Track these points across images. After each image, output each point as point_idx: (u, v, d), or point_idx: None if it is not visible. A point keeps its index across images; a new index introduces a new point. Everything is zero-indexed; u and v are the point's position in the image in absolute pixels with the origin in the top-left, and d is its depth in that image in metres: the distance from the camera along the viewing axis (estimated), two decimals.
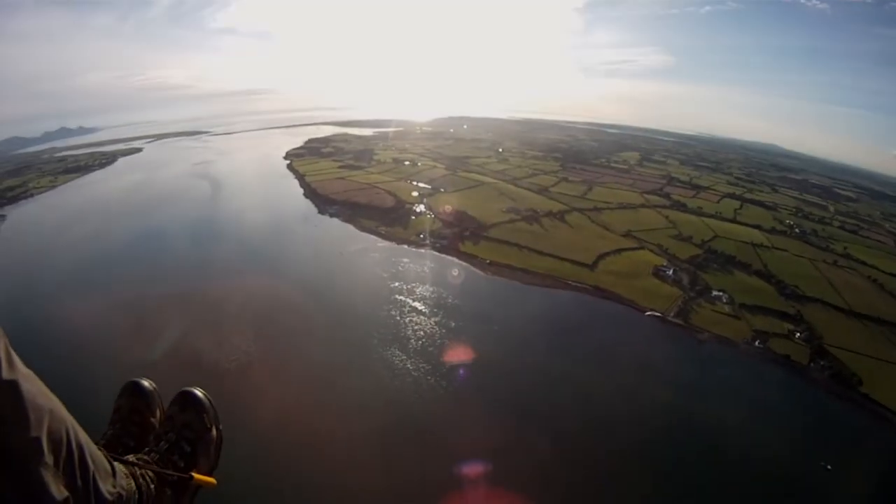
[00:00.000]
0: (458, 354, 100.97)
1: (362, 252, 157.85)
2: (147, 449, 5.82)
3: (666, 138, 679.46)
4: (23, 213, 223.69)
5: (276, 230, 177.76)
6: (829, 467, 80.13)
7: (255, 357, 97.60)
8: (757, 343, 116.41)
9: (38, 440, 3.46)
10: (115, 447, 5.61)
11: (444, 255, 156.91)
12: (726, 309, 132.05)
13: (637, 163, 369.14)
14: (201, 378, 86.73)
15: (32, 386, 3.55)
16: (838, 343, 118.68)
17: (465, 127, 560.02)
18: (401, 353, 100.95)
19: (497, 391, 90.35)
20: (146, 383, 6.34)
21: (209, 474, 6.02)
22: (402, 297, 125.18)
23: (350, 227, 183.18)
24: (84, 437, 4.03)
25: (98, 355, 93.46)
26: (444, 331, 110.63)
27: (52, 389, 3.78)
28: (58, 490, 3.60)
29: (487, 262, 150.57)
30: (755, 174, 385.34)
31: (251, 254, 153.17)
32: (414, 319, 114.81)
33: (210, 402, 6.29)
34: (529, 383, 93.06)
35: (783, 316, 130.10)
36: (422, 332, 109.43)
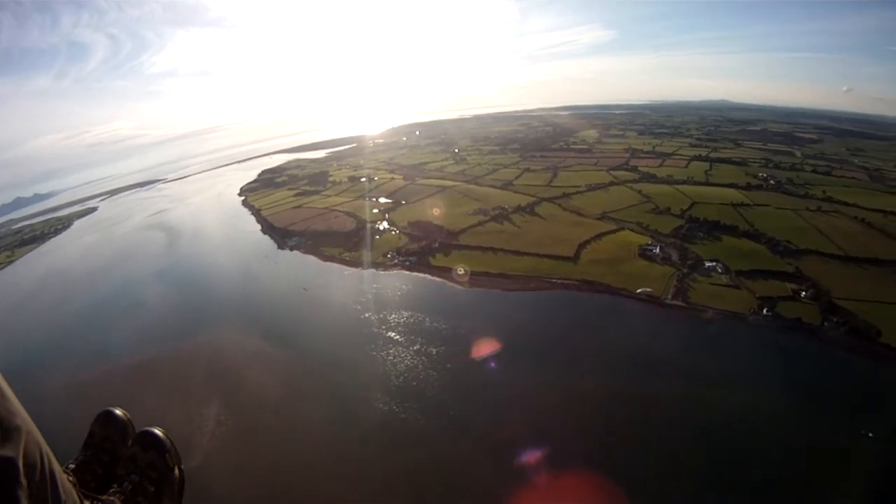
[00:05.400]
0: (445, 385, 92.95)
1: (328, 284, 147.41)
2: (112, 490, 5.81)
3: (619, 111, 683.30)
4: None
5: (234, 275, 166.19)
6: (870, 434, 74.62)
7: (229, 426, 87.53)
8: (765, 311, 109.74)
9: (13, 459, 3.44)
10: (84, 472, 5.93)
11: (415, 273, 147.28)
12: (724, 279, 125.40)
13: (596, 140, 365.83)
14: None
15: (9, 404, 3.61)
16: (846, 294, 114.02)
17: (417, 133, 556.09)
18: (383, 395, 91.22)
19: (497, 423, 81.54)
20: (119, 412, 6.53)
21: None
22: (376, 329, 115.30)
23: (312, 259, 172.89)
24: (57, 467, 4.11)
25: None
26: (426, 360, 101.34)
27: None
28: None
29: (462, 273, 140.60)
30: (714, 132, 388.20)
31: (210, 306, 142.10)
32: (391, 353, 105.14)
33: (171, 442, 6.34)
34: (534, 407, 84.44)
35: (783, 276, 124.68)
36: (402, 367, 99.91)
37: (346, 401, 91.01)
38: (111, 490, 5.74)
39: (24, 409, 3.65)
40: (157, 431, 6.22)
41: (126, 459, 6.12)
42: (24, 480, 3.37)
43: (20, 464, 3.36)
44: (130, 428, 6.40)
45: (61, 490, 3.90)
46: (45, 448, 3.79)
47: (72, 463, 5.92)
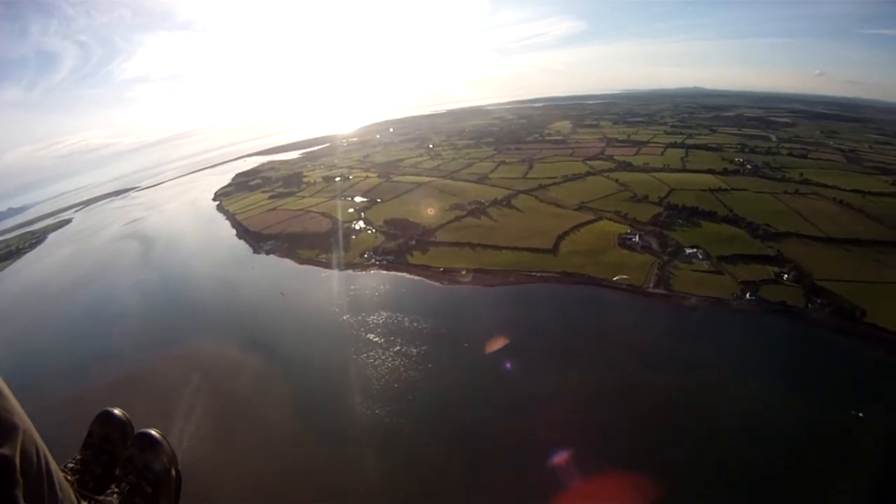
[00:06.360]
0: (428, 386, 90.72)
1: (305, 288, 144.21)
2: (109, 490, 5.81)
3: (592, 101, 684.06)
4: None
5: (210, 282, 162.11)
6: (860, 415, 74.37)
7: (211, 440, 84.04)
8: (748, 296, 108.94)
9: (10, 457, 3.43)
10: (83, 472, 5.98)
11: (393, 273, 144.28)
12: (705, 266, 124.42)
13: (571, 131, 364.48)
14: None
15: (7, 403, 3.61)
16: (828, 276, 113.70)
17: (390, 130, 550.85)
18: (365, 399, 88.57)
19: (485, 422, 79.28)
20: (118, 413, 6.56)
21: None
22: (355, 332, 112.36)
23: (289, 262, 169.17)
24: (54, 466, 4.15)
25: None
26: (406, 361, 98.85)
27: None
28: None
29: (441, 270, 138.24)
30: (689, 119, 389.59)
31: (187, 315, 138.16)
32: (372, 355, 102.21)
33: (168, 443, 6.33)
34: (519, 405, 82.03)
35: (765, 259, 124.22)
36: (384, 369, 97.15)
37: (328, 405, 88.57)
38: (109, 490, 5.73)
39: (22, 408, 3.65)
40: (154, 433, 6.18)
41: (123, 460, 6.07)
42: (20, 478, 3.35)
43: (17, 462, 3.35)
44: (130, 428, 6.36)
45: (58, 488, 3.92)
46: (42, 447, 3.82)
47: (70, 462, 5.92)
